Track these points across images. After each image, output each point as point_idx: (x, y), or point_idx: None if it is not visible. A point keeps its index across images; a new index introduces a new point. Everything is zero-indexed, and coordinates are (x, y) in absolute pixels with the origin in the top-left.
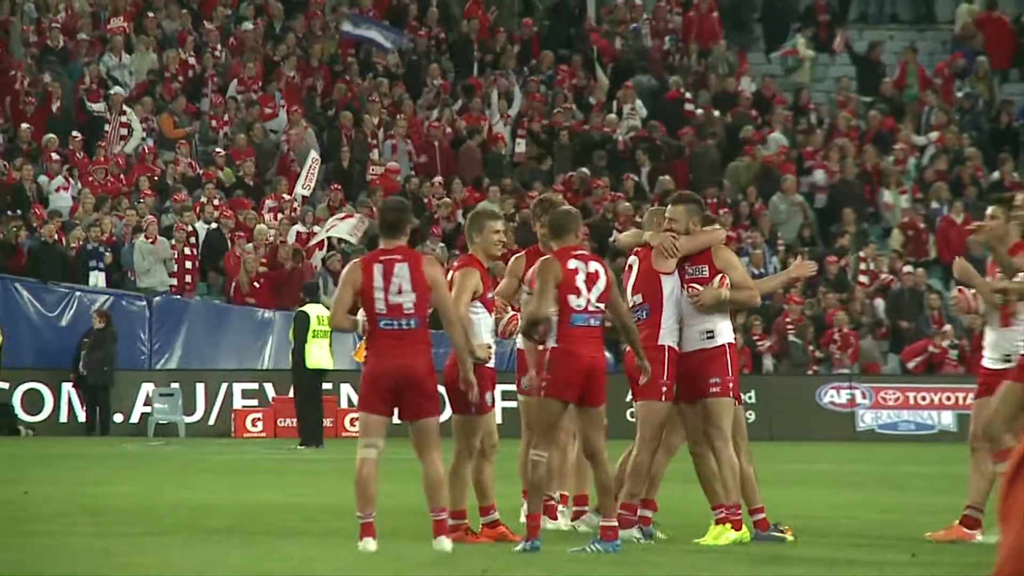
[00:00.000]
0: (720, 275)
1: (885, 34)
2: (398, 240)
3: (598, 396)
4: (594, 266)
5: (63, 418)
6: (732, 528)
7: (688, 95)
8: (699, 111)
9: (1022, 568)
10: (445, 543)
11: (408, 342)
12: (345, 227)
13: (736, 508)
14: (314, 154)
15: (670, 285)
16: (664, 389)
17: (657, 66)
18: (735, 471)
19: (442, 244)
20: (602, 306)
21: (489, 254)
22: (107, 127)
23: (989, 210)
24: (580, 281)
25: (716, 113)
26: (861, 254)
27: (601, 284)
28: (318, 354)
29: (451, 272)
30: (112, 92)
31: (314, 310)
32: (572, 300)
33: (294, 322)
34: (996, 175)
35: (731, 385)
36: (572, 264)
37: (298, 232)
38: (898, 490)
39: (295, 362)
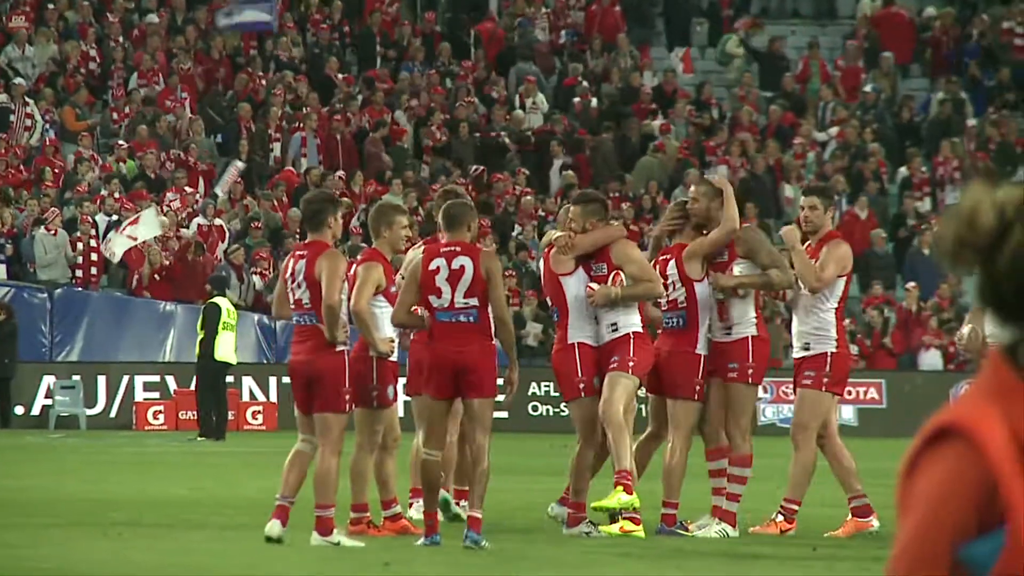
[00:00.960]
0: (615, 272)
1: (787, 29)
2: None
3: (469, 391)
4: (460, 262)
5: None
6: (624, 491)
7: (590, 88)
8: (595, 104)
9: (914, 567)
10: (319, 538)
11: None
12: (144, 228)
13: (626, 473)
14: (238, 163)
15: (572, 285)
16: (581, 387)
17: (544, 58)
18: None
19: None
20: (472, 302)
21: (395, 248)
22: (12, 118)
23: (806, 200)
24: (441, 280)
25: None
26: None
27: (466, 280)
28: (226, 347)
29: (354, 266)
30: (15, 83)
31: (224, 303)
32: (433, 300)
33: (204, 314)
34: (904, 170)
35: (631, 365)
36: (434, 264)
37: (199, 225)
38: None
39: (202, 354)
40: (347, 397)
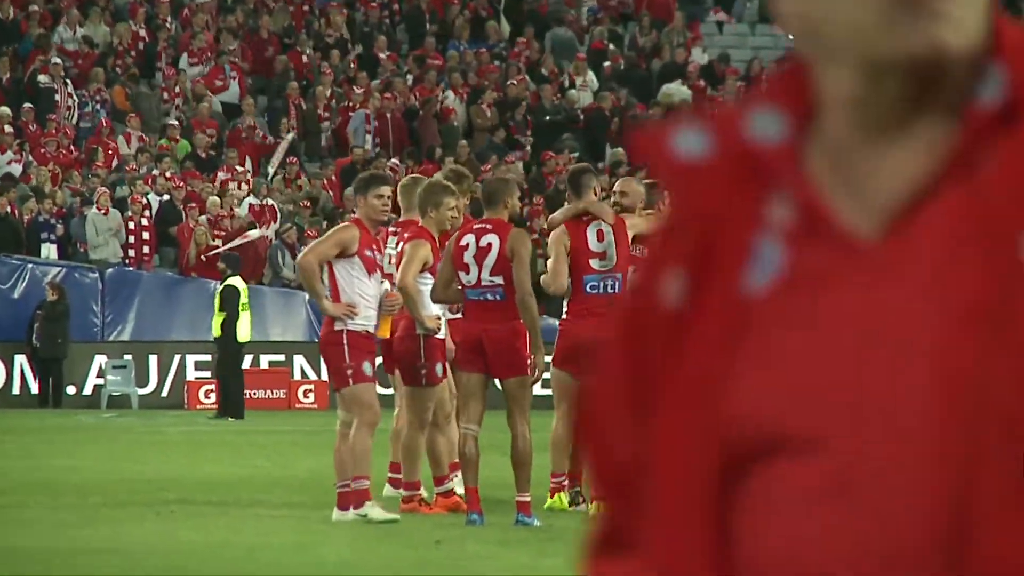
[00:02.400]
0: None
1: None
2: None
3: (501, 369)
4: (488, 239)
5: (16, 390)
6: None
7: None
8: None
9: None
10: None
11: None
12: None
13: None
14: (292, 135)
15: None
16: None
17: (575, 24)
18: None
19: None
20: (497, 280)
21: (441, 228)
22: (57, 98)
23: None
24: (468, 257)
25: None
26: None
27: (492, 258)
28: (245, 328)
29: (401, 243)
30: (64, 64)
31: (240, 283)
32: (463, 276)
33: (222, 295)
34: None
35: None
36: (464, 240)
37: (250, 204)
38: None
39: (226, 335)
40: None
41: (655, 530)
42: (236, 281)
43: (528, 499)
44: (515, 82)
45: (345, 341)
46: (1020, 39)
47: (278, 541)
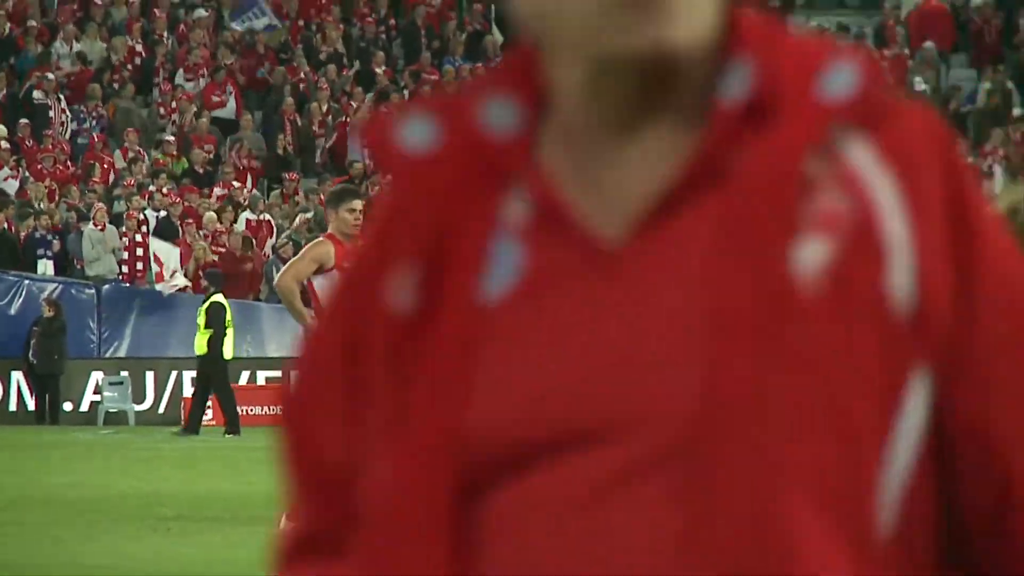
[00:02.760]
0: None
1: (832, 19)
2: None
3: None
4: None
5: (12, 407)
6: None
7: None
8: None
9: None
10: None
11: None
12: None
13: None
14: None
15: None
16: None
17: None
18: None
19: None
20: None
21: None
22: (51, 114)
23: None
24: None
25: None
26: None
27: None
28: (229, 345)
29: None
30: (48, 79)
31: (224, 300)
32: None
33: (208, 312)
34: None
35: None
36: None
37: (247, 220)
38: None
39: (213, 352)
40: None
41: (383, 543)
42: (220, 298)
43: None
44: None
45: None
46: (765, 33)
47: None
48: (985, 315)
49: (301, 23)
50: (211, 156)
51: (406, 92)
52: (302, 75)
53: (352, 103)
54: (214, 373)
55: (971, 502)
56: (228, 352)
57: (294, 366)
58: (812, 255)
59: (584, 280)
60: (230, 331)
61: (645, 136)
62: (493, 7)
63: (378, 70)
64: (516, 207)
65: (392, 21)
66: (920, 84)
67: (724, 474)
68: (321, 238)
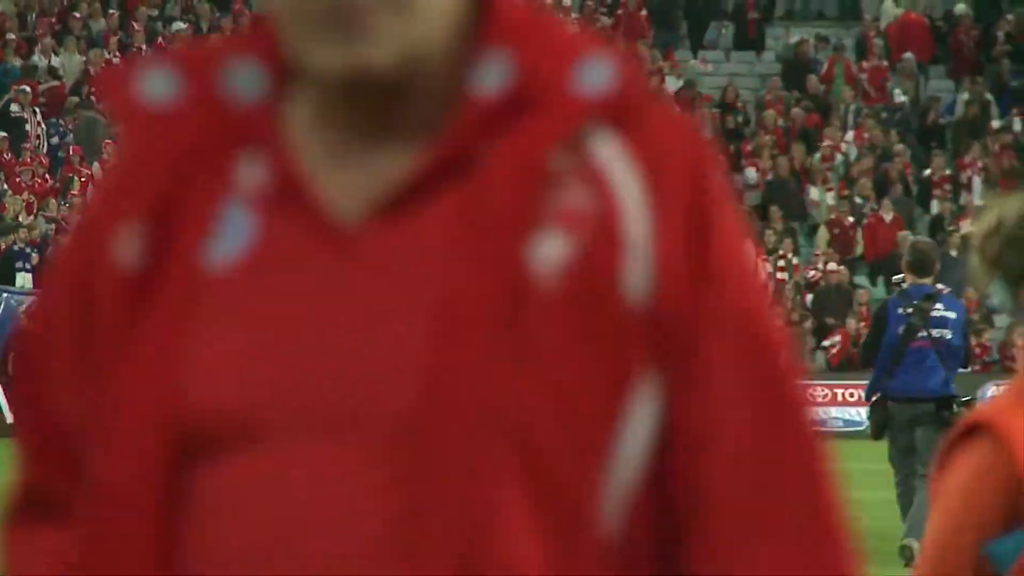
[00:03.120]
0: None
1: (811, 31)
2: None
3: None
4: None
5: None
6: None
7: None
8: None
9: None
10: None
11: None
12: None
13: None
14: None
15: None
16: None
17: None
18: None
19: None
20: None
21: None
22: (27, 127)
23: None
24: None
25: None
26: (780, 251)
27: None
28: None
29: None
30: (23, 91)
31: None
32: None
33: None
34: (927, 172)
35: None
36: None
37: None
38: None
39: None
40: None
41: (98, 505)
42: None
43: None
44: None
45: None
46: (526, 24)
47: None
48: (711, 323)
49: None
50: None
51: None
52: None
53: None
54: None
55: (677, 502)
56: None
57: (26, 319)
58: (550, 250)
59: (314, 260)
60: None
61: (393, 127)
62: None
63: None
64: (253, 174)
65: None
66: (900, 95)
67: (440, 464)
68: None
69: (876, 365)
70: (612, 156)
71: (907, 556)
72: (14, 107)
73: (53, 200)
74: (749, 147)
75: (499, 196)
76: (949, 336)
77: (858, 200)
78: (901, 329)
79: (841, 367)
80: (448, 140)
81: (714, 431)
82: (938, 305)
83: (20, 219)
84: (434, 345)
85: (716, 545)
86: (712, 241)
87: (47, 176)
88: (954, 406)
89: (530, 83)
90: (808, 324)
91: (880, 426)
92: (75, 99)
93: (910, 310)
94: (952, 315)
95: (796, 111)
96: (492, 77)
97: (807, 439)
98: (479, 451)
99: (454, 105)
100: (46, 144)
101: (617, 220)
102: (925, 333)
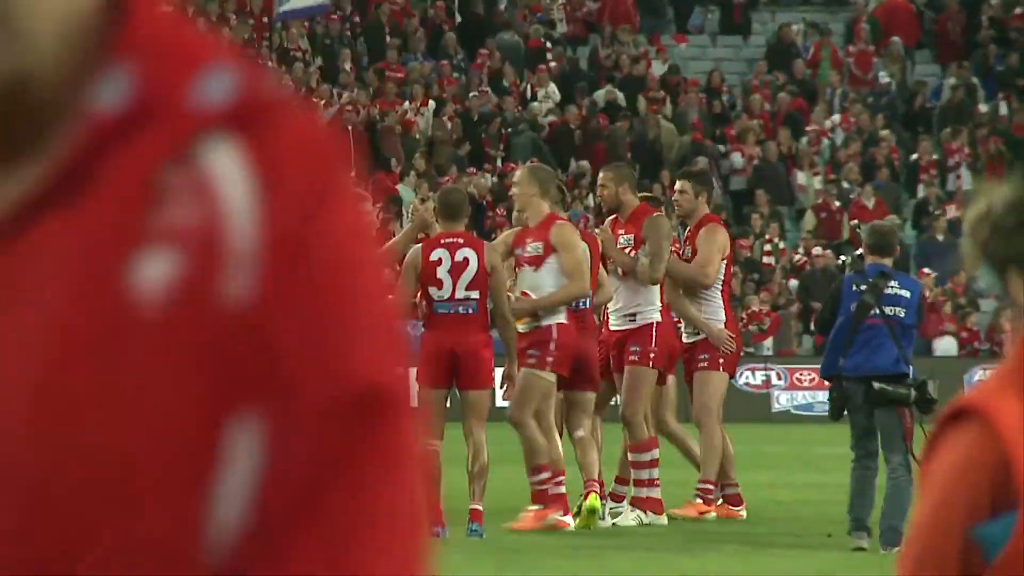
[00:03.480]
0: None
1: (797, 16)
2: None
3: (467, 380)
4: (463, 254)
5: None
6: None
7: (601, 77)
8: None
9: (926, 548)
10: None
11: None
12: None
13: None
14: None
15: None
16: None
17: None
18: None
19: None
20: (473, 295)
21: None
22: None
23: (678, 184)
24: (443, 272)
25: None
26: (767, 235)
27: (470, 273)
28: None
29: None
30: None
31: None
32: (433, 291)
33: None
34: (914, 156)
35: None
36: (435, 255)
37: None
38: (815, 471)
39: None
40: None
41: None
42: None
43: (481, 508)
44: (477, 94)
45: None
46: (156, 33)
47: None
48: (295, 342)
49: (265, 19)
50: None
51: (371, 89)
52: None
53: (318, 100)
54: None
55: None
56: None
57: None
58: (153, 271)
59: None
60: None
61: (2, 150)
62: (456, 4)
63: (345, 66)
64: None
65: (356, 19)
66: (885, 78)
67: (45, 512)
68: None
69: (829, 343)
70: (227, 168)
71: (893, 539)
72: None
73: None
74: (735, 131)
75: (104, 216)
76: (902, 315)
77: (845, 185)
78: (854, 306)
79: None
80: (59, 160)
81: (288, 456)
82: (892, 283)
83: None
84: (38, 386)
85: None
86: (318, 256)
87: None
88: (912, 387)
89: (147, 97)
90: (794, 308)
91: (838, 406)
92: None
93: (864, 287)
94: (906, 293)
95: (782, 96)
96: (110, 92)
97: (381, 456)
98: (81, 496)
99: (73, 123)
100: None
101: (223, 235)
102: (878, 311)
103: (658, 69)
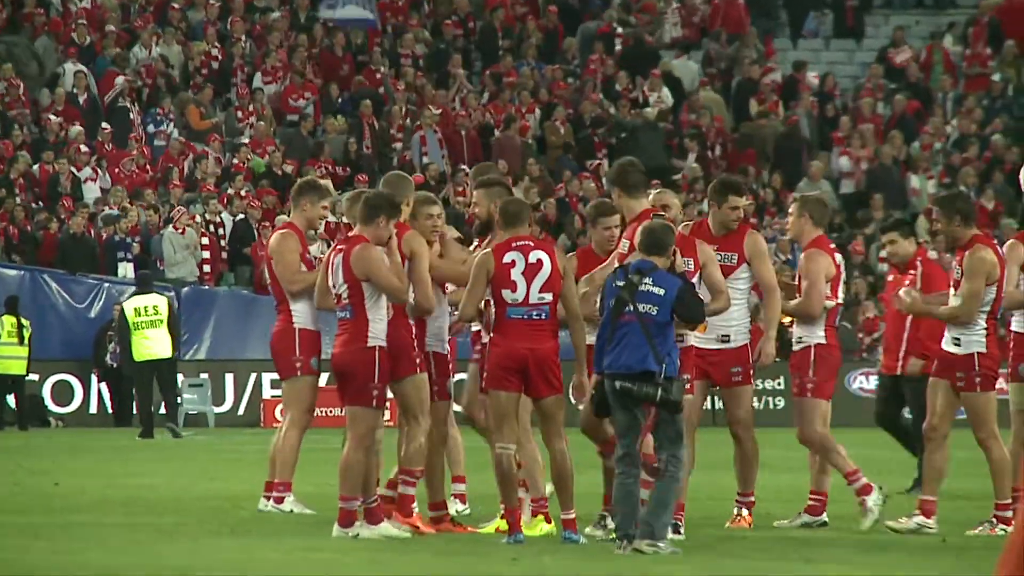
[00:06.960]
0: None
1: (911, 19)
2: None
3: (541, 388)
4: (536, 256)
5: (93, 409)
6: (544, 520)
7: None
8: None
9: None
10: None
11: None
12: None
13: (543, 501)
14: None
15: None
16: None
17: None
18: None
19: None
20: (547, 297)
21: (310, 227)
22: (131, 116)
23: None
24: (516, 274)
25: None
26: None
27: (544, 274)
28: (144, 345)
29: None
30: (117, 82)
31: (132, 303)
32: (507, 294)
33: (119, 319)
34: None
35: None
36: (508, 257)
37: (326, 222)
38: None
39: (125, 357)
40: (375, 392)
41: None
42: (127, 303)
43: (573, 516)
44: (590, 98)
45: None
46: None
47: (355, 558)
48: None
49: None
50: (289, 158)
51: (485, 94)
52: (379, 77)
53: (432, 107)
54: (128, 376)
55: None
56: (145, 353)
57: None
58: None
59: None
60: (150, 330)
61: None
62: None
63: (458, 72)
64: None
65: (471, 24)
66: (1000, 82)
67: None
68: (286, 230)
69: (596, 340)
70: None
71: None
72: (118, 99)
73: (152, 191)
74: (844, 135)
75: None
76: (655, 312)
77: (961, 188)
78: (611, 302)
79: None
80: None
81: None
82: (647, 280)
83: (125, 207)
84: None
85: None
86: None
87: (148, 167)
88: (660, 387)
89: None
90: None
91: (599, 404)
92: (176, 89)
93: (621, 283)
94: (660, 291)
95: (897, 99)
96: None
97: None
98: None
99: None
100: (145, 134)
101: None
102: (631, 307)
103: (772, 74)
